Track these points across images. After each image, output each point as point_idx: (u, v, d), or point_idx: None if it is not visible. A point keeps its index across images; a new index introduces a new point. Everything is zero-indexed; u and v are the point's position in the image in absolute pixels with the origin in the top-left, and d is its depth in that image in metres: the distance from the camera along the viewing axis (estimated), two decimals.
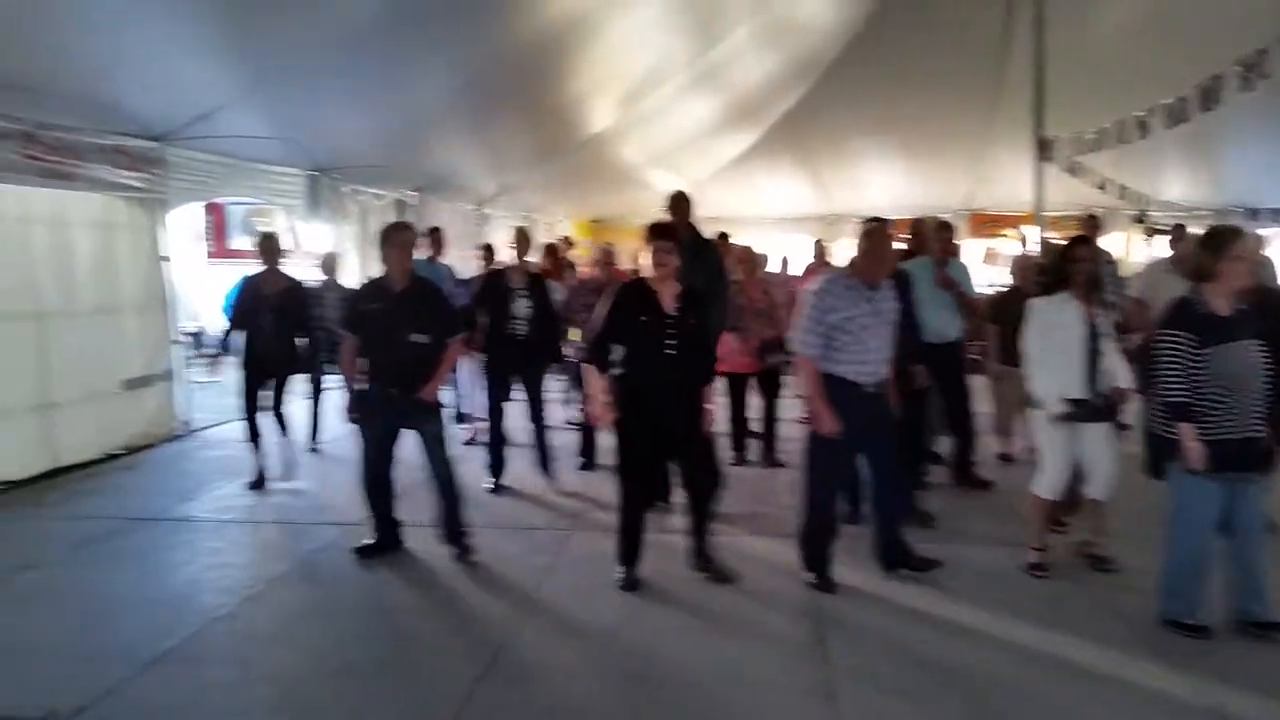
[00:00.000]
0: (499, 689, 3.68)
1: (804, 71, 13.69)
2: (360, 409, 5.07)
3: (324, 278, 8.44)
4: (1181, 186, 15.36)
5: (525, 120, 11.44)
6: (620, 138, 13.16)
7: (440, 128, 10.53)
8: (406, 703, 3.60)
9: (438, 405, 5.11)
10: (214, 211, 14.28)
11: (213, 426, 8.68)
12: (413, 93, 8.82)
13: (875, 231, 4.54)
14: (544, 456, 6.64)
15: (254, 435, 6.69)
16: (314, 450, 7.79)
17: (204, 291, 13.75)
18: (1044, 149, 10.75)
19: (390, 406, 4.96)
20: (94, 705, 3.50)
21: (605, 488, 5.99)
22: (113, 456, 7.42)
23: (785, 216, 17.57)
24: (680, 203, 6.13)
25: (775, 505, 5.97)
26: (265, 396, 6.76)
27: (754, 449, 7.16)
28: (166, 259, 8.30)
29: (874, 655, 3.93)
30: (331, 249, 9.47)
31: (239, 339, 6.82)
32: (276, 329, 6.71)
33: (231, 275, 14.32)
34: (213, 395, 10.03)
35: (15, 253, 6.75)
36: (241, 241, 14.89)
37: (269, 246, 6.94)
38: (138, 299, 7.95)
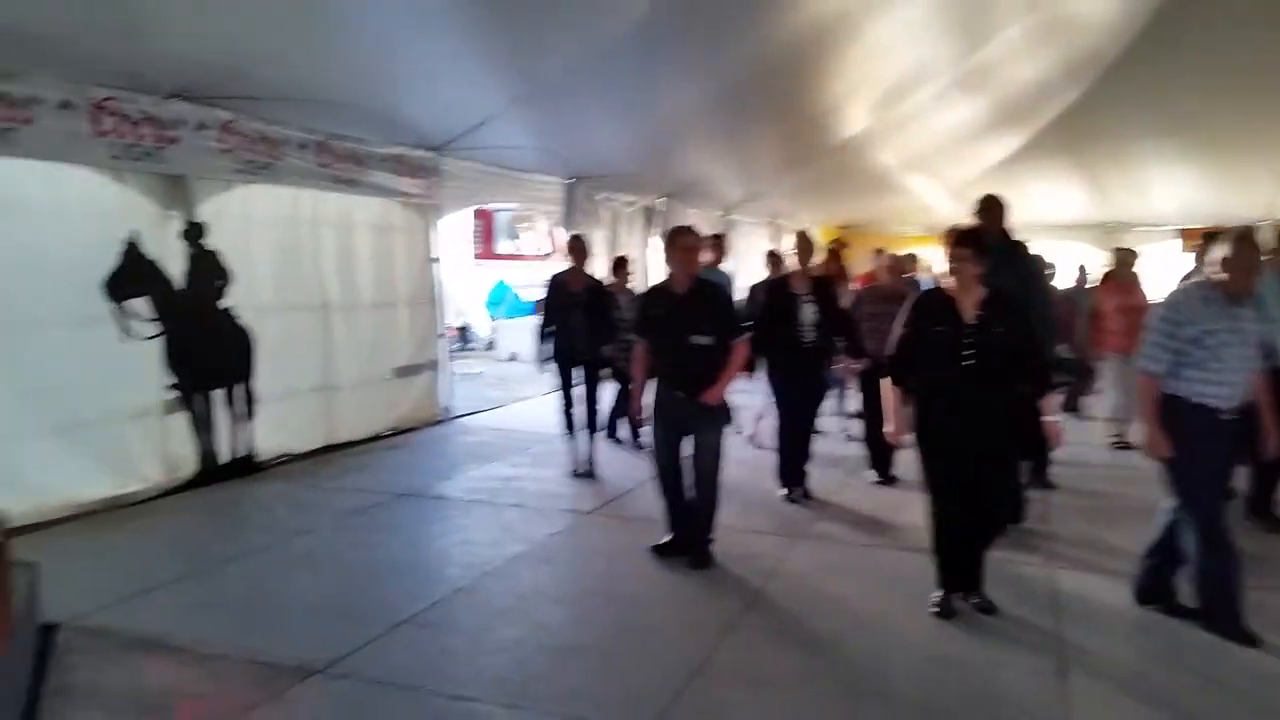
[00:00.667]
0: (709, 689, 3.61)
1: (1081, 70, 12.62)
2: (654, 412, 5.03)
3: (611, 280, 8.48)
4: None
5: (777, 127, 11.35)
6: (875, 142, 12.75)
7: (691, 136, 10.67)
8: (620, 688, 3.61)
9: (723, 410, 4.94)
10: (482, 217, 15.35)
11: (471, 414, 9.29)
12: (666, 102, 8.98)
13: (1245, 239, 3.98)
14: (796, 464, 6.32)
15: (569, 427, 6.97)
16: (625, 444, 7.90)
17: (470, 290, 14.84)
18: None
19: (676, 409, 4.93)
20: (344, 660, 3.77)
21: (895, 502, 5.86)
22: (381, 437, 8.09)
23: (1058, 223, 16.30)
24: (991, 207, 5.72)
25: (1066, 531, 5.51)
26: (577, 391, 7.00)
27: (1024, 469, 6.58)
28: (436, 260, 8.97)
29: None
30: (622, 253, 9.60)
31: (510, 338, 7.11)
32: (586, 325, 6.91)
33: (495, 276, 15.43)
34: (473, 386, 10.78)
35: (307, 251, 7.53)
36: (506, 245, 15.93)
37: (577, 246, 7.18)
38: (410, 295, 8.64)
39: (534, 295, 14.70)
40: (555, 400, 7.03)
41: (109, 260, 5.86)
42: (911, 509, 5.15)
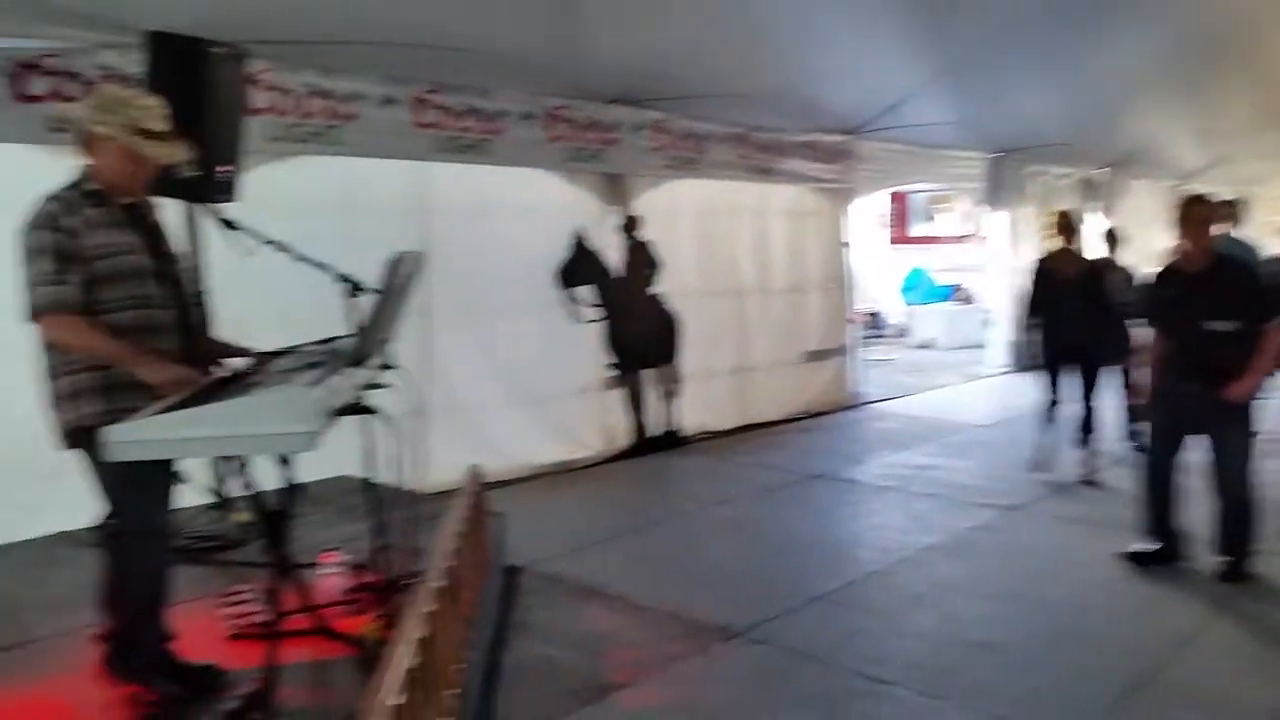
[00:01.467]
0: (1152, 707, 3.22)
1: None
2: (1155, 404, 4.53)
3: (1104, 255, 7.04)
4: None
5: (1253, 79, 9.69)
6: None
7: (1139, 99, 9.51)
8: (1043, 692, 3.34)
9: (1245, 409, 4.24)
10: (897, 199, 15.00)
11: (882, 401, 9.15)
12: (1107, 64, 8.08)
13: None
14: None
15: (1049, 423, 6.26)
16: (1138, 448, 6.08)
17: (883, 275, 14.58)
18: None
19: (1187, 404, 4.35)
20: (761, 626, 3.91)
21: None
22: (792, 419, 8.25)
23: None
24: None
25: None
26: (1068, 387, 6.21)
27: None
28: (847, 244, 8.94)
29: None
30: (1111, 224, 8.48)
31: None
32: (1081, 313, 5.97)
33: (910, 260, 15.02)
34: (884, 372, 10.61)
35: (725, 240, 7.90)
36: (921, 228, 15.42)
37: (1065, 224, 6.26)
38: (820, 280, 8.71)
39: (949, 280, 14.15)
40: (1038, 397, 6.37)
41: (560, 252, 6.61)
42: None
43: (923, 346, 13.34)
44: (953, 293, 14.07)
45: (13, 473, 3.77)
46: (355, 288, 3.12)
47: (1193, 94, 9.74)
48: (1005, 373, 10.62)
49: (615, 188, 6.95)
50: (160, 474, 2.76)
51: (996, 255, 10.95)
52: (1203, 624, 3.84)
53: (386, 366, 3.22)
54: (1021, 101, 8.87)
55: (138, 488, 2.68)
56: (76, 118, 2.75)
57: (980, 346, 11.43)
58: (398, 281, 3.01)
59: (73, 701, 2.84)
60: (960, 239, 14.05)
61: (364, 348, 2.89)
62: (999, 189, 10.53)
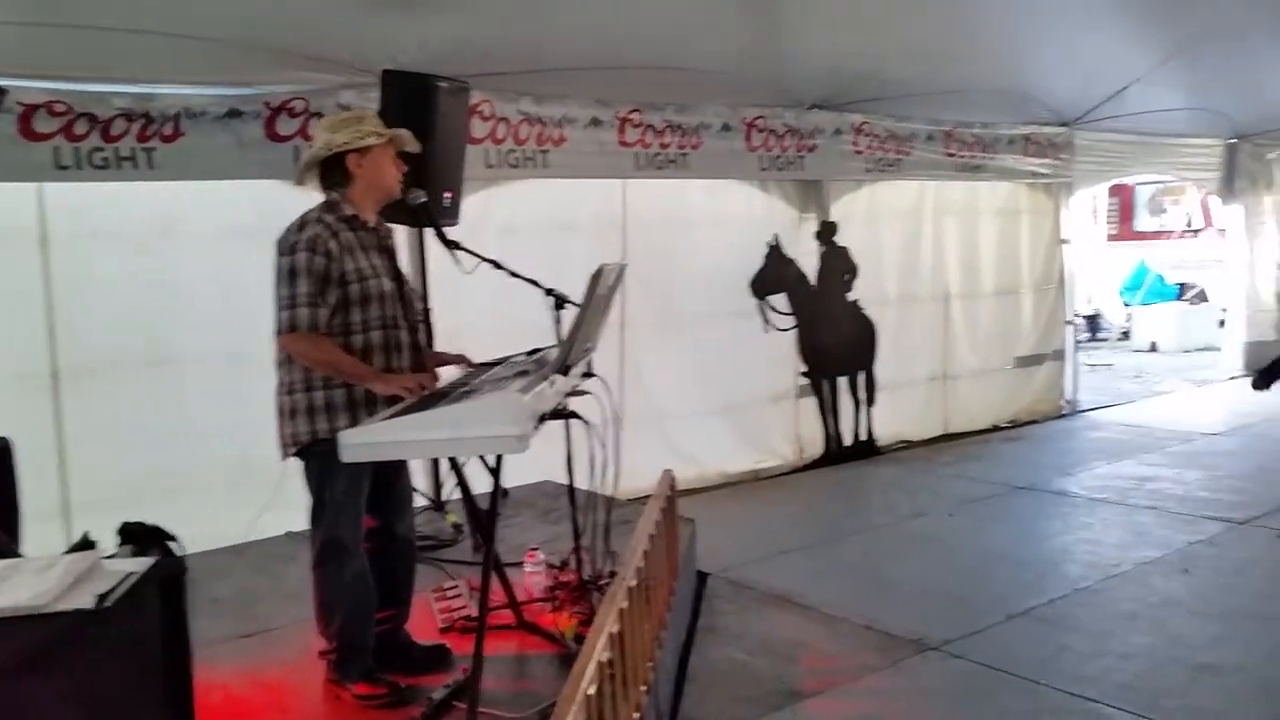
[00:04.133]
0: None
1: None
2: None
3: None
4: None
5: None
6: None
7: None
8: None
9: None
10: (1119, 193, 14.00)
11: (1098, 409, 8.62)
12: None
13: None
14: None
15: None
16: None
17: (1102, 274, 13.63)
18: None
19: None
20: (958, 641, 3.83)
21: None
22: (998, 428, 7.92)
23: None
24: None
25: None
26: None
27: None
28: (1066, 241, 8.48)
29: None
30: None
31: None
32: None
33: (1132, 257, 13.99)
34: (1103, 378, 9.97)
35: (929, 242, 7.68)
36: (1146, 222, 14.31)
37: None
38: (1034, 281, 8.31)
39: (1178, 278, 13.06)
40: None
41: (755, 261, 6.67)
42: None
43: (1147, 350, 12.37)
44: (1181, 291, 12.99)
45: (252, 475, 4.10)
46: (560, 301, 3.34)
47: None
48: (1240, 377, 9.72)
49: (812, 194, 6.95)
50: (356, 490, 2.91)
51: (1233, 250, 10.03)
52: None
53: (588, 375, 3.42)
54: (1263, 81, 8.13)
55: (336, 503, 2.87)
56: (340, 139, 2.89)
57: (1212, 349, 10.57)
58: (600, 292, 3.19)
59: (303, 685, 3.09)
60: (1191, 233, 12.95)
61: (569, 356, 3.08)
62: (1237, 177, 9.65)
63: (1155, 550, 4.82)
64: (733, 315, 6.58)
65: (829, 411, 7.03)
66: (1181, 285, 12.98)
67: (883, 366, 7.27)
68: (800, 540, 5.31)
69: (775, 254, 6.75)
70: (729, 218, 6.63)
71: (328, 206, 2.94)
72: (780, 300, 6.79)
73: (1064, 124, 8.02)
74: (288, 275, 2.81)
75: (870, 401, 7.22)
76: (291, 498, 3.17)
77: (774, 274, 6.74)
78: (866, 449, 7.18)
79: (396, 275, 3.07)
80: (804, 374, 6.92)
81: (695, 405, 6.34)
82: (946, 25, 5.87)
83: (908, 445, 7.38)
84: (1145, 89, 7.54)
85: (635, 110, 5.87)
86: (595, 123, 5.76)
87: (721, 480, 6.37)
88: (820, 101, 6.64)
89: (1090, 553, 4.90)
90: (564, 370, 3.00)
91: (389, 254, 3.08)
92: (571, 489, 3.55)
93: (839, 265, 7.10)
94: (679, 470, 5.76)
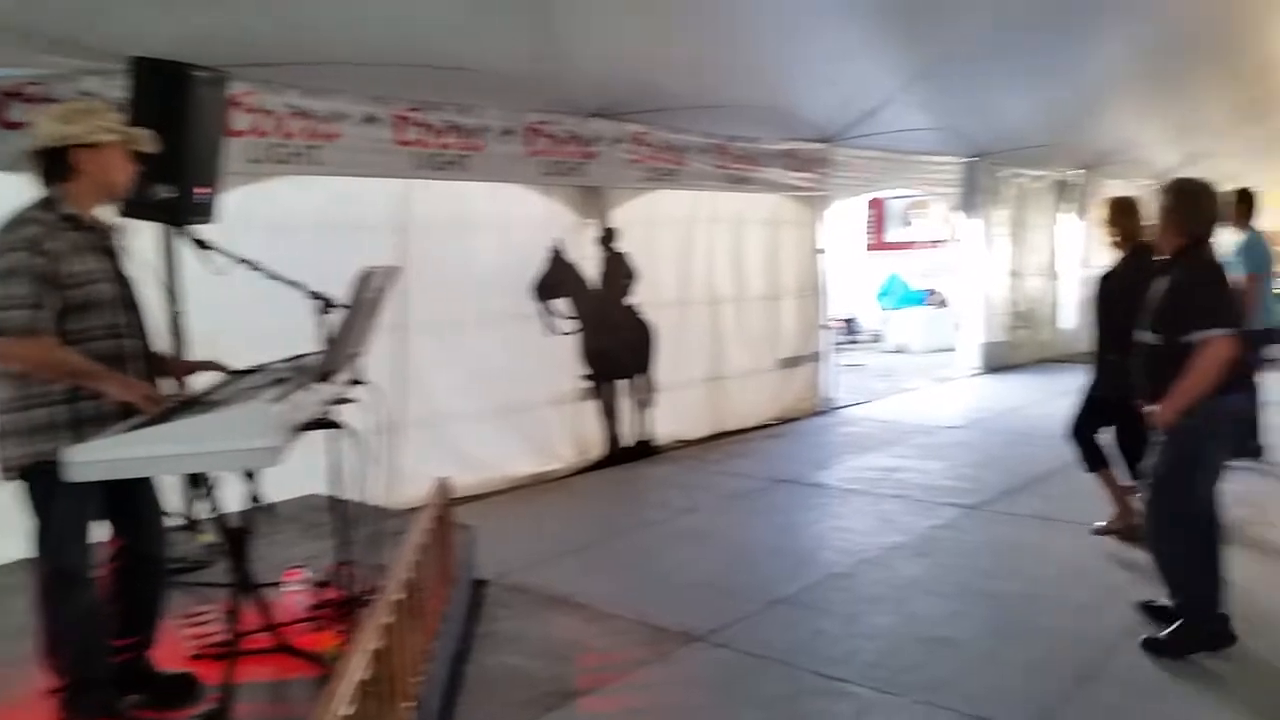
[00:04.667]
0: (1101, 695, 3.37)
1: None
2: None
3: None
4: None
5: (1220, 79, 9.85)
6: None
7: (1115, 99, 9.67)
8: (995, 685, 3.48)
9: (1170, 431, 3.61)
10: (875, 205, 15.18)
11: (852, 406, 9.30)
12: (1083, 66, 8.22)
13: None
14: None
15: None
16: None
17: (861, 281, 14.73)
18: None
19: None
20: (723, 630, 4.03)
21: None
22: (765, 425, 8.37)
23: None
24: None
25: None
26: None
27: None
28: (822, 251, 9.07)
29: None
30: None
31: None
32: None
33: (887, 266, 15.18)
34: (857, 377, 10.75)
35: (702, 249, 8.00)
36: (898, 233, 15.58)
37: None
38: (795, 288, 8.84)
39: (924, 285, 14.32)
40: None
41: (537, 265, 6.72)
42: None
43: (897, 351, 13.51)
44: (926, 297, 14.28)
45: None
46: (327, 304, 3.22)
47: (1169, 92, 9.88)
48: (976, 374, 10.84)
49: (593, 200, 7.07)
50: (82, 513, 2.70)
51: (971, 259, 11.12)
52: (1136, 617, 3.94)
53: (356, 382, 3.32)
54: (998, 105, 9.00)
55: (61, 528, 2.66)
56: (71, 132, 2.67)
57: (953, 350, 11.63)
58: (367, 296, 3.11)
59: None
60: (935, 244, 14.22)
61: (330, 363, 2.98)
62: (974, 193, 10.69)
63: (900, 536, 5.26)
64: (515, 318, 6.58)
65: (609, 413, 7.19)
66: (928, 291, 14.23)
67: (660, 369, 7.50)
68: (579, 541, 5.40)
69: (558, 258, 6.82)
70: (512, 221, 6.62)
71: (45, 204, 2.70)
72: (562, 304, 6.87)
73: (823, 140, 8.53)
74: (2, 277, 2.56)
75: (648, 403, 7.44)
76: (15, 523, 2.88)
77: (556, 278, 6.81)
78: (645, 449, 7.39)
79: (121, 279, 2.85)
80: (585, 377, 7.03)
81: (478, 409, 6.29)
82: (715, 44, 6.12)
83: (684, 444, 7.64)
84: (895, 109, 8.14)
85: (414, 109, 5.75)
86: (371, 120, 5.58)
87: (505, 484, 6.36)
88: (601, 110, 6.76)
89: (843, 540, 5.27)
90: (325, 377, 2.91)
91: (112, 256, 2.86)
92: (338, 501, 3.44)
93: (619, 270, 7.27)
94: (462, 476, 5.75)
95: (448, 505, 3.84)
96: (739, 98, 7.07)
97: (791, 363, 8.78)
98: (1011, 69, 7.82)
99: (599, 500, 6.40)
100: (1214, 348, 3.39)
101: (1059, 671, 3.55)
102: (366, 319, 3.16)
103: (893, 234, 15.57)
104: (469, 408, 6.23)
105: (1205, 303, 3.51)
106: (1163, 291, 3.65)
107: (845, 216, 13.05)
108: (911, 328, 13.75)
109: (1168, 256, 3.72)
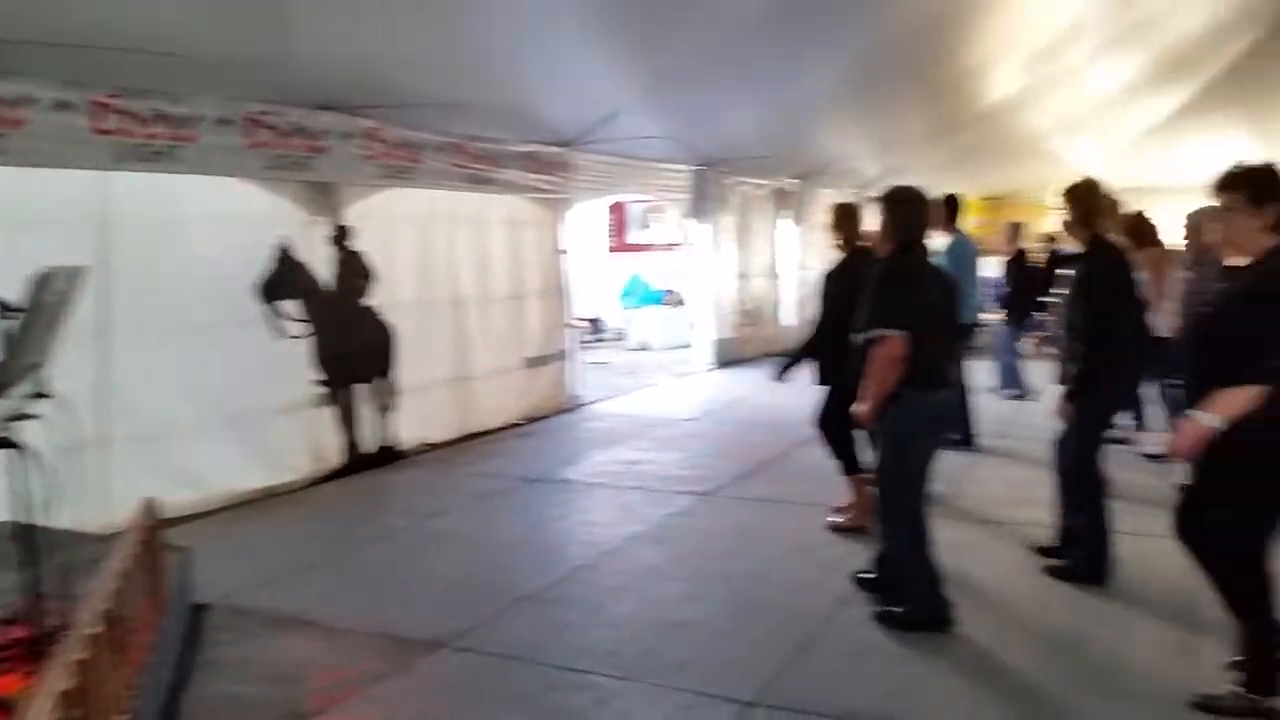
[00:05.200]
0: (817, 661, 3.67)
1: (1257, 13, 11.70)
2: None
3: None
4: None
5: (917, 97, 11.01)
6: (1023, 105, 12.17)
7: (826, 113, 10.52)
8: (727, 661, 3.70)
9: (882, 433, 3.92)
10: (616, 209, 15.62)
11: (598, 402, 9.54)
12: (799, 82, 8.86)
13: None
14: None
15: None
16: None
17: (604, 282, 15.13)
18: None
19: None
20: (468, 633, 4.00)
21: None
22: (513, 425, 8.39)
23: None
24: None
25: None
26: None
27: None
28: (565, 252, 9.21)
29: None
30: None
31: None
32: None
33: (629, 267, 15.67)
34: (602, 375, 11.04)
35: (443, 249, 7.87)
36: (639, 236, 16.14)
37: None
38: (539, 288, 8.91)
39: (663, 285, 14.93)
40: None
41: (262, 265, 6.32)
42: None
43: (639, 348, 14.00)
44: (665, 297, 14.89)
45: None
46: (4, 309, 2.86)
47: (871, 110, 10.91)
48: (710, 369, 11.47)
49: (325, 197, 6.74)
50: None
51: (702, 262, 11.70)
52: (850, 587, 4.32)
53: (39, 395, 2.98)
54: (722, 118, 9.51)
55: None
56: None
57: (689, 346, 12.21)
58: (47, 300, 2.80)
59: None
60: (672, 246, 14.85)
61: (5, 376, 2.66)
62: (703, 200, 11.24)
63: (640, 526, 5.44)
64: (241, 322, 6.15)
65: (348, 420, 6.89)
66: (666, 291, 14.85)
67: (402, 371, 7.30)
68: (315, 556, 5.14)
69: (285, 258, 6.46)
70: (231, 218, 6.16)
71: None
72: (291, 306, 6.51)
73: (563, 144, 8.65)
74: None
75: (390, 407, 7.22)
76: None
77: (284, 278, 6.43)
78: (389, 455, 7.16)
79: None
80: (320, 382, 6.70)
81: (197, 421, 5.82)
82: (450, 41, 6.05)
83: (430, 448, 7.49)
84: (630, 117, 8.41)
85: (115, 95, 5.22)
86: (63, 106, 5.00)
87: (230, 501, 5.92)
88: (330, 103, 6.46)
89: (587, 533, 5.39)
90: (0, 392, 2.60)
91: None
92: (26, 528, 3.07)
93: (354, 270, 7.00)
94: (181, 494, 5.32)
95: (155, 527, 3.53)
96: (476, 97, 7.01)
97: (538, 362, 8.83)
98: (734, 84, 8.33)
99: (338, 511, 6.13)
100: (885, 346, 3.67)
101: (783, 643, 3.81)
102: (48, 325, 2.84)
103: (633, 236, 16.10)
104: (186, 420, 5.75)
105: (881, 302, 3.77)
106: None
107: (588, 218, 13.35)
108: (652, 326, 14.29)
109: (884, 258, 3.97)
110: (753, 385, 10.21)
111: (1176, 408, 4.97)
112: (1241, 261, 3.09)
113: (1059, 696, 3.33)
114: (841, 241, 5.29)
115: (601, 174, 9.41)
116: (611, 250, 16.07)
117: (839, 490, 5.29)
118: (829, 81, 9.17)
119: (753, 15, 6.94)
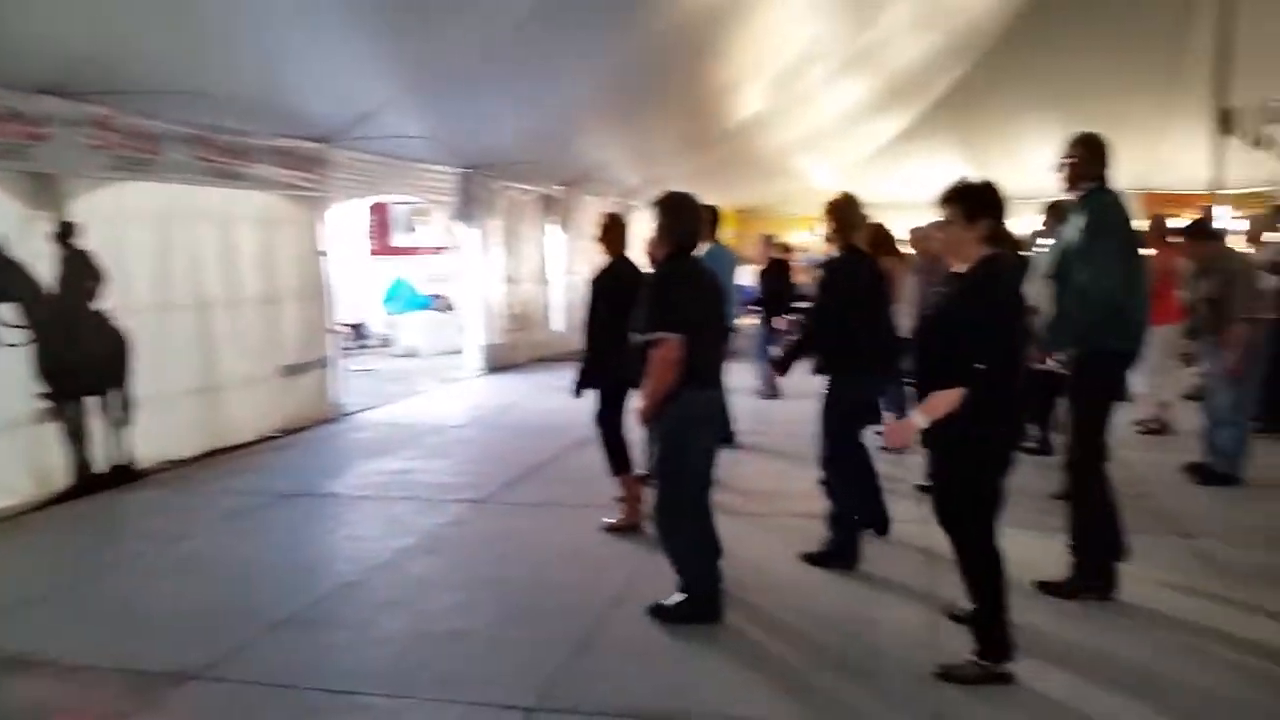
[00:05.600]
0: (593, 662, 3.72)
1: (965, 49, 13.17)
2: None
3: None
4: None
5: (673, 111, 11.49)
6: (767, 124, 13.01)
7: (587, 122, 10.73)
8: (504, 668, 3.68)
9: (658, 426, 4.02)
10: (377, 210, 15.13)
11: (364, 411, 9.18)
12: (561, 89, 8.99)
13: None
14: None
15: None
16: None
17: (366, 286, 14.61)
18: (1225, 121, 9.90)
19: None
20: (220, 663, 3.72)
21: None
22: (270, 437, 7.89)
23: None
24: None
25: None
26: None
27: None
28: (324, 254, 8.78)
29: None
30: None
31: None
32: None
33: (392, 271, 15.23)
34: (368, 382, 10.65)
35: (183, 249, 7.25)
36: (403, 239, 15.72)
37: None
38: (297, 290, 8.44)
39: (431, 290, 14.64)
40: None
41: None
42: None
43: (407, 355, 13.64)
44: (433, 302, 14.58)
45: None
46: None
47: (628, 123, 11.25)
48: (480, 375, 11.36)
49: (46, 189, 6.05)
50: None
51: (470, 266, 11.57)
52: (629, 585, 4.46)
53: None
54: (486, 121, 9.48)
55: None
56: None
57: (458, 352, 12.04)
58: None
59: None
60: (439, 250, 14.60)
61: None
62: (470, 202, 11.12)
63: (410, 537, 5.29)
64: None
65: (76, 436, 6.22)
66: (434, 296, 14.56)
67: (139, 381, 6.67)
68: (40, 589, 4.61)
69: (0, 257, 5.76)
70: None
71: None
72: (7, 310, 5.80)
73: (321, 140, 8.27)
74: None
75: (126, 421, 6.60)
76: None
77: None
78: (125, 474, 6.52)
79: None
80: (43, 395, 6.01)
81: None
82: (187, 23, 5.64)
83: (173, 465, 6.90)
84: (392, 115, 8.20)
85: None
86: None
87: None
88: (52, 87, 5.82)
89: (353, 548, 5.17)
90: None
91: None
92: None
93: (81, 270, 6.33)
94: None
95: None
96: (222, 86, 6.57)
97: (297, 369, 8.36)
98: (498, 87, 8.33)
99: (66, 538, 5.51)
100: (664, 348, 3.82)
101: (561, 646, 3.83)
102: None
103: (398, 239, 15.65)
104: None
105: (659, 306, 3.91)
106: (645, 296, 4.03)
107: (347, 220, 12.83)
108: (420, 332, 13.96)
109: (660, 262, 4.10)
110: (523, 390, 10.24)
111: (902, 405, 5.52)
112: (960, 269, 3.48)
113: (823, 679, 3.56)
114: (607, 248, 5.46)
115: (363, 173, 9.09)
116: (373, 253, 15.53)
117: (611, 492, 5.39)
118: (589, 90, 9.39)
119: (514, 18, 6.98)
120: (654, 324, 3.87)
